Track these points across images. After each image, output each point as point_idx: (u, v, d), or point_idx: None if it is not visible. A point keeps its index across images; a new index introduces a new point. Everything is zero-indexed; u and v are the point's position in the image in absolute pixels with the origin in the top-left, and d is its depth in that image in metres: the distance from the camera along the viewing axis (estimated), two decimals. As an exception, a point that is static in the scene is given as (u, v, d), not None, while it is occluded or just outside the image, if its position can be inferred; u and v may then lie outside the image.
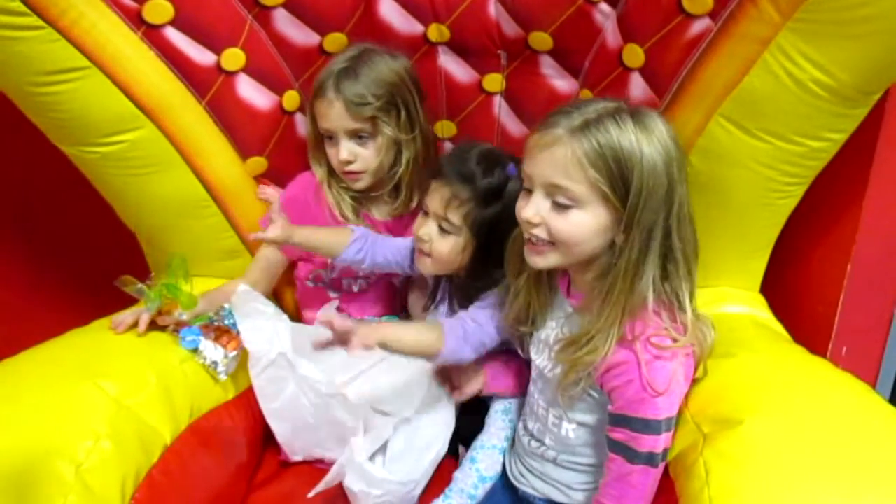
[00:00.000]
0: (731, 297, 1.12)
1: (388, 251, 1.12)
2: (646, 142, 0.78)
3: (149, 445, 0.89)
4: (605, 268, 0.83)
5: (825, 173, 1.03)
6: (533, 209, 0.82)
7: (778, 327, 1.11)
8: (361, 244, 1.10)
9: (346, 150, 1.12)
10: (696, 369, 0.87)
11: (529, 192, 0.84)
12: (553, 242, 0.83)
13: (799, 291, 1.23)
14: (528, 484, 0.98)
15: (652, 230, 0.80)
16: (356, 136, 1.12)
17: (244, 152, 1.18)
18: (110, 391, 0.88)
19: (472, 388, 1.06)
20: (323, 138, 1.15)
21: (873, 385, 1.24)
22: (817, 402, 0.83)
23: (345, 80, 1.09)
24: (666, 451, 0.84)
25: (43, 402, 0.85)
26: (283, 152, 1.21)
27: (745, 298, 1.13)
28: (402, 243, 1.13)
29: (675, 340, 0.82)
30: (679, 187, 0.80)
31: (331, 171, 1.18)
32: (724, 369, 0.89)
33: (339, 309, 1.24)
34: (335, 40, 1.16)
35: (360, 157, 1.13)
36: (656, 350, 0.81)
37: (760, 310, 1.13)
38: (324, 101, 1.10)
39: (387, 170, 1.16)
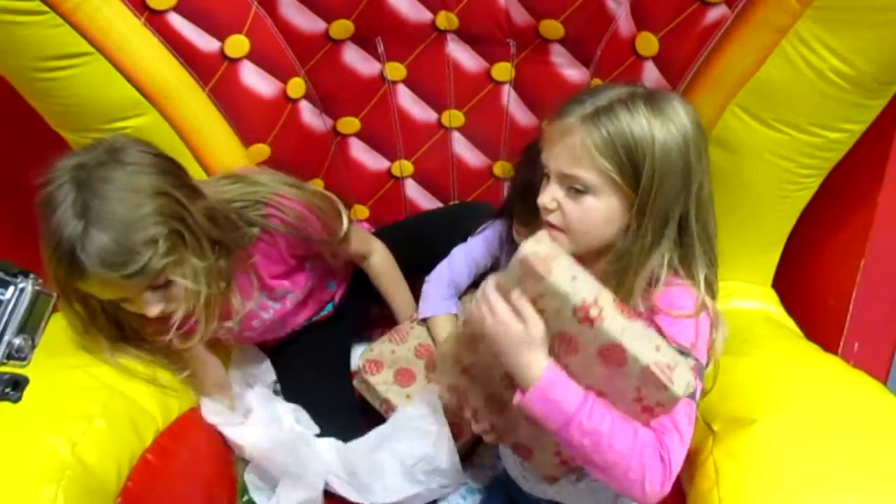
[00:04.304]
0: (742, 292, 1.11)
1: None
2: (659, 126, 0.77)
3: (142, 429, 0.89)
4: (619, 253, 0.82)
5: (840, 165, 1.01)
6: (549, 196, 0.82)
7: (789, 323, 1.10)
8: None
9: (154, 308, 0.88)
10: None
11: (549, 178, 0.83)
12: (565, 229, 0.82)
13: (811, 286, 1.22)
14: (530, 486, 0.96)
15: (667, 215, 0.78)
16: (153, 289, 0.87)
17: (247, 139, 1.17)
18: (103, 377, 0.89)
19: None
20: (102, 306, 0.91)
21: (884, 381, 1.23)
22: (830, 402, 0.82)
23: (94, 248, 0.80)
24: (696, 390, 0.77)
25: (35, 387, 0.82)
26: (287, 140, 1.20)
27: (757, 293, 1.12)
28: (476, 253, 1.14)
29: (690, 292, 0.80)
30: (698, 170, 0.79)
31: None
32: (736, 367, 0.87)
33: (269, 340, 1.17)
34: (342, 27, 1.15)
35: (167, 312, 0.89)
36: (672, 318, 0.79)
37: (772, 305, 1.12)
38: (89, 282, 0.83)
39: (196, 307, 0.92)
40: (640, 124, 0.77)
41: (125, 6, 1.01)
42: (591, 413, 0.72)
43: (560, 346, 0.74)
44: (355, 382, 1.15)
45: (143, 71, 1.03)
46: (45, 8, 0.92)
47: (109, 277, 0.82)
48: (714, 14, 0.94)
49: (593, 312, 0.69)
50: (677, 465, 0.72)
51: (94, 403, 0.84)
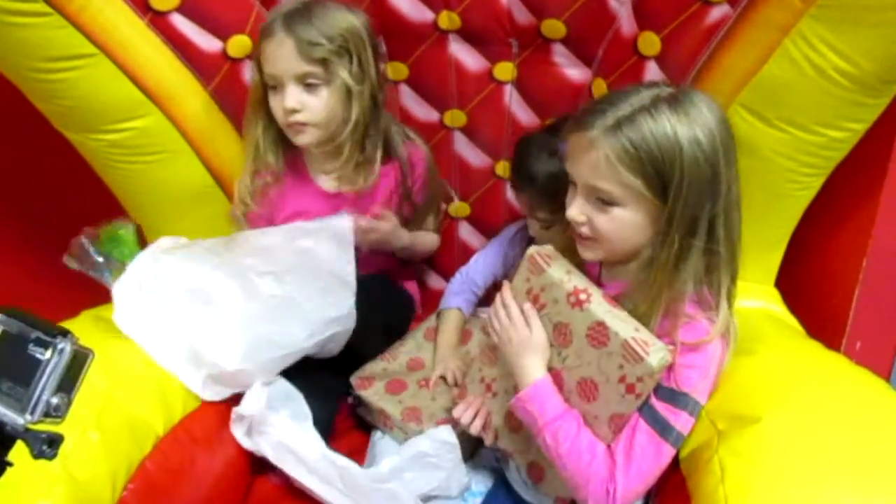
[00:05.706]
0: (745, 291, 1.09)
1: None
2: (685, 131, 0.75)
3: (140, 437, 0.88)
4: (647, 261, 0.82)
5: (842, 164, 1.01)
6: (577, 209, 0.83)
7: (793, 322, 1.10)
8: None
9: (292, 98, 1.04)
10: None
11: (575, 187, 0.84)
12: (597, 238, 0.83)
13: (814, 285, 1.22)
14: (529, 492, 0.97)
15: (695, 222, 0.78)
16: (304, 83, 1.05)
17: (250, 140, 1.17)
18: (98, 384, 0.87)
19: None
20: (267, 90, 1.07)
21: (887, 379, 1.23)
22: (834, 400, 0.82)
23: (297, 19, 1.03)
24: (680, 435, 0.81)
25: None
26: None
27: (760, 292, 1.11)
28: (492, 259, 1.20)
29: (708, 332, 0.81)
30: (726, 172, 0.78)
31: (266, 129, 1.11)
32: (740, 366, 0.87)
33: None
34: (344, 27, 1.15)
35: (307, 106, 1.05)
36: (687, 347, 0.80)
37: (775, 304, 1.12)
38: (272, 41, 1.03)
39: (333, 127, 1.09)
40: (665, 132, 0.75)
41: (129, 7, 1.01)
42: (556, 433, 0.82)
43: (557, 338, 0.86)
44: (354, 404, 1.16)
45: (146, 72, 1.03)
46: (50, 9, 0.92)
47: (286, 42, 1.02)
48: (716, 13, 0.94)
49: (582, 296, 0.83)
50: (626, 498, 0.80)
51: (87, 413, 0.83)
